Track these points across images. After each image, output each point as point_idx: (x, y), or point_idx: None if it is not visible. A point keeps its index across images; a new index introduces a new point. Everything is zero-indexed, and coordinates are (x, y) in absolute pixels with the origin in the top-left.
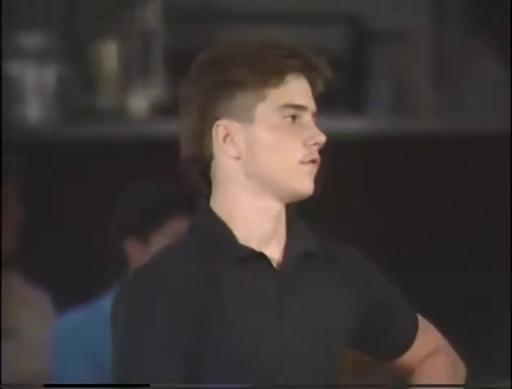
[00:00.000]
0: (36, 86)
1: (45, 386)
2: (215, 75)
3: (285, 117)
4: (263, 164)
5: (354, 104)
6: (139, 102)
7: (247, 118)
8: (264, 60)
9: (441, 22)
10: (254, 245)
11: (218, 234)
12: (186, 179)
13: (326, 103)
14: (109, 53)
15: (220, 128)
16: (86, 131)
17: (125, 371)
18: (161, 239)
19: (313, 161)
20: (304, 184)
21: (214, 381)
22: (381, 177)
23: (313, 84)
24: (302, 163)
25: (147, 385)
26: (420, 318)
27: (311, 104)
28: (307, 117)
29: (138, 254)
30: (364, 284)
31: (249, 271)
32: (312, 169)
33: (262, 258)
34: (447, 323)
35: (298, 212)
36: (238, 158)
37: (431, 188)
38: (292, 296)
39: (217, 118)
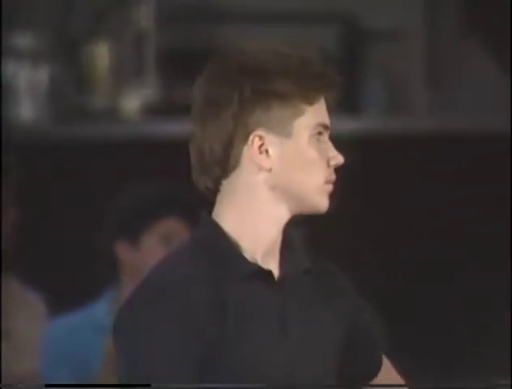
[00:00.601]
0: (30, 86)
1: (45, 386)
2: (254, 83)
3: (316, 135)
4: (293, 179)
5: (348, 103)
6: (132, 102)
7: (284, 132)
8: (307, 75)
9: (434, 21)
10: (259, 256)
11: (225, 249)
12: (179, 180)
13: None
14: (102, 54)
15: (257, 139)
16: (79, 131)
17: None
18: (152, 240)
19: (332, 181)
20: (323, 202)
21: None
22: (375, 177)
23: (329, 103)
24: (326, 182)
25: (148, 385)
26: (384, 357)
27: (329, 122)
28: (326, 137)
29: (129, 256)
30: (351, 307)
31: (254, 287)
32: (330, 187)
33: (267, 274)
34: (447, 323)
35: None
36: (269, 170)
37: (425, 187)
38: (293, 311)
39: (252, 128)
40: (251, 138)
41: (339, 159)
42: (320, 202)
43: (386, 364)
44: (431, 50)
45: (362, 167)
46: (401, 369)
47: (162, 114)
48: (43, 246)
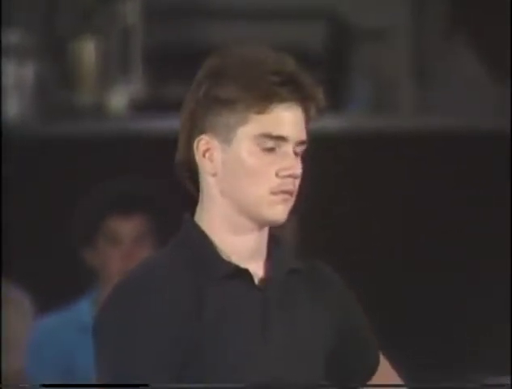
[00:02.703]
0: (16, 83)
1: (46, 386)
2: (207, 87)
3: (262, 145)
4: (236, 187)
5: (334, 101)
6: (119, 99)
7: (227, 139)
8: (253, 83)
9: (421, 19)
10: (236, 260)
11: (202, 249)
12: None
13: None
14: (89, 50)
15: (202, 142)
16: (65, 128)
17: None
18: (101, 242)
19: (285, 192)
20: (274, 212)
21: None
22: (361, 175)
23: (306, 112)
24: (273, 193)
25: (147, 385)
26: (381, 356)
27: (295, 135)
28: (287, 148)
29: (91, 261)
30: (342, 306)
31: (233, 287)
32: (284, 199)
33: (246, 274)
34: (445, 321)
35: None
36: (214, 174)
37: (414, 185)
38: (275, 312)
39: (202, 132)
40: (196, 141)
41: (292, 170)
42: (268, 213)
43: (384, 362)
44: (418, 48)
45: (348, 165)
46: (400, 368)
47: (149, 111)
48: (29, 244)
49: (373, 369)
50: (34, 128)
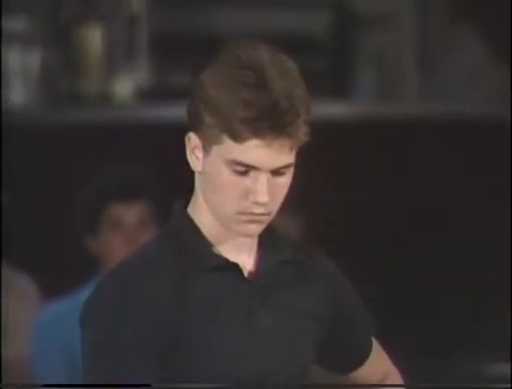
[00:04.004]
0: (21, 70)
1: (46, 386)
2: (197, 93)
3: (233, 167)
4: (209, 197)
5: (337, 89)
6: (124, 86)
7: (207, 147)
8: (227, 112)
9: (425, 7)
10: (225, 252)
11: (191, 240)
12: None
13: (310, 88)
14: (94, 38)
15: (191, 139)
16: (70, 115)
17: (96, 373)
18: (104, 228)
19: (254, 214)
20: (242, 230)
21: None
22: (365, 162)
23: (281, 145)
24: (240, 213)
25: (148, 385)
26: (374, 339)
27: (268, 164)
28: (258, 174)
29: (94, 249)
30: (334, 295)
31: (221, 280)
32: (252, 220)
33: (234, 267)
34: (446, 310)
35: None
36: (200, 172)
37: (415, 172)
38: (263, 305)
39: (192, 128)
40: (187, 136)
41: (259, 197)
42: (237, 229)
43: (376, 348)
44: (422, 35)
45: (351, 151)
46: (399, 356)
47: (154, 98)
48: (34, 232)
49: (365, 356)
50: (39, 115)
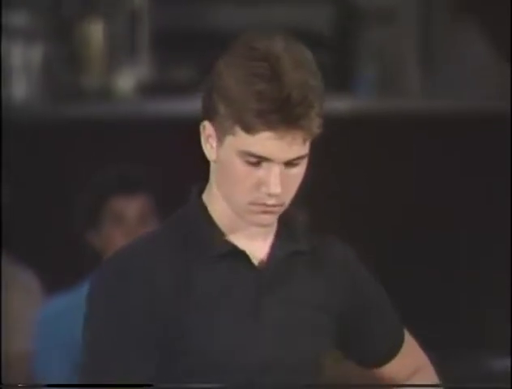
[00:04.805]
0: (23, 65)
1: (46, 386)
2: (212, 81)
3: (246, 158)
4: (222, 186)
5: (340, 83)
6: (126, 81)
7: (221, 137)
8: (240, 104)
9: (428, 2)
10: (236, 240)
11: (201, 228)
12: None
13: None
14: (96, 33)
15: (205, 127)
16: (72, 110)
17: (95, 364)
18: (106, 222)
19: (267, 205)
20: (254, 220)
21: (187, 378)
22: (366, 157)
23: (294, 137)
24: (252, 204)
25: (151, 385)
26: (407, 333)
27: (281, 156)
28: (271, 166)
29: (95, 244)
30: (352, 286)
31: (229, 268)
32: (264, 211)
33: (242, 255)
34: (450, 305)
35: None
36: (214, 161)
37: (417, 167)
38: (271, 294)
39: (206, 117)
40: (201, 125)
41: (271, 189)
42: (249, 219)
43: (409, 341)
44: (425, 31)
45: (353, 146)
46: None
47: (156, 93)
48: (36, 226)
49: (395, 350)
50: (41, 110)
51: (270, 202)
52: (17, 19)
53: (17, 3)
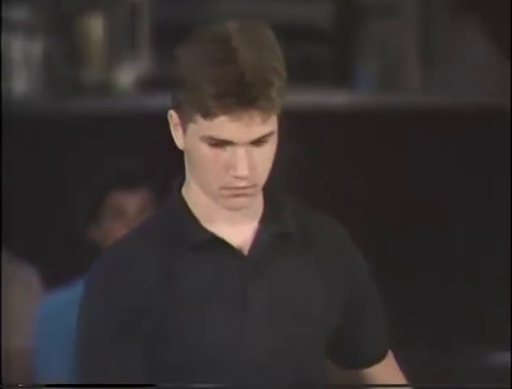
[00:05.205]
0: (23, 59)
1: (46, 386)
2: (182, 63)
3: (209, 142)
4: (193, 172)
5: (339, 78)
6: (126, 76)
7: (184, 127)
8: (196, 89)
9: None
10: (218, 227)
11: (180, 220)
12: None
13: (312, 77)
14: (96, 27)
15: (172, 116)
16: (72, 105)
17: (85, 358)
18: (106, 218)
19: (237, 188)
20: (228, 204)
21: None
22: (365, 152)
23: (252, 116)
24: (223, 188)
25: (153, 385)
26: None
27: (243, 137)
28: (236, 149)
29: (96, 239)
30: (345, 270)
31: (211, 257)
32: (236, 194)
33: (222, 242)
34: (448, 300)
35: (280, 185)
36: (184, 150)
37: (415, 162)
38: (258, 281)
39: (173, 106)
40: (169, 114)
41: (238, 171)
42: (223, 203)
43: (390, 357)
44: (425, 26)
45: (356, 142)
46: (401, 346)
47: (156, 88)
48: (36, 223)
49: (380, 352)
50: (41, 105)
51: (241, 184)
52: (17, 13)
53: None
